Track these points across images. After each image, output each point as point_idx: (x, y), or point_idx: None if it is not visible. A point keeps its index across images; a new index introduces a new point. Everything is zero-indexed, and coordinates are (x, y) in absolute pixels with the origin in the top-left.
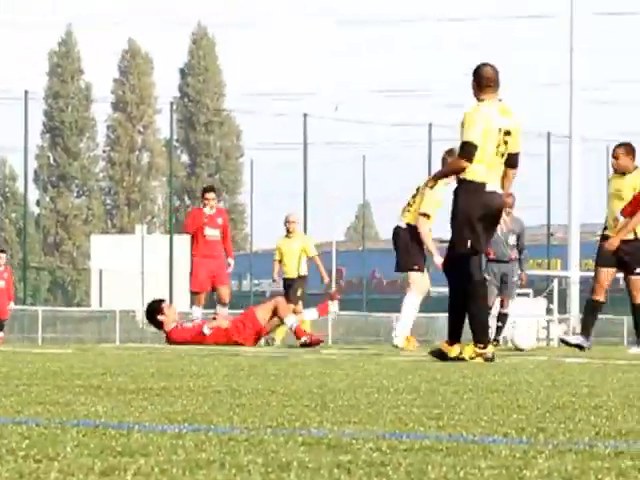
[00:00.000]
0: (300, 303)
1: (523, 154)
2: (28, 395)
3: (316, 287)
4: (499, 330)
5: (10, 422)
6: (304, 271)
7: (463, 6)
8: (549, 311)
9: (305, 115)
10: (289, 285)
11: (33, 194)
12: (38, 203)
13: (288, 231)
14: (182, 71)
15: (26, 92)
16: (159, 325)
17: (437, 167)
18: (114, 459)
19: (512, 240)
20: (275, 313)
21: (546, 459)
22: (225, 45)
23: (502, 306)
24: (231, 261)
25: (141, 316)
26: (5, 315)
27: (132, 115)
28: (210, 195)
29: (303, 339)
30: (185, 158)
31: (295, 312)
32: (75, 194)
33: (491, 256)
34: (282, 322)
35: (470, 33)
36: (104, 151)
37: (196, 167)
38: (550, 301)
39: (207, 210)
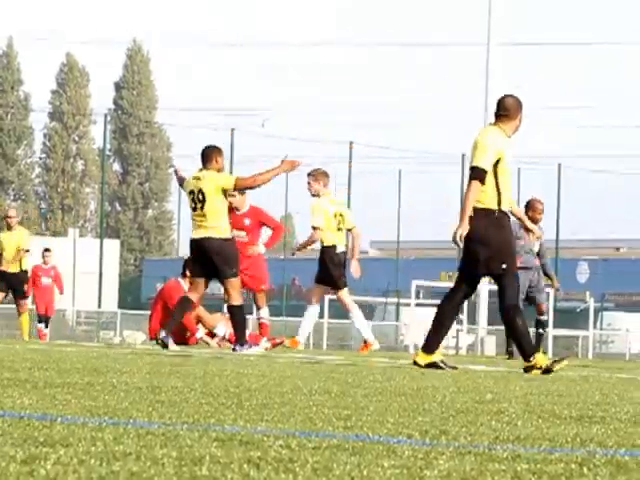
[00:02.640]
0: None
1: (438, 173)
2: None
3: None
4: (540, 338)
5: None
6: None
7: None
8: (459, 321)
9: (232, 130)
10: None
11: None
12: None
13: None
14: (117, 85)
15: None
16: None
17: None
18: (36, 449)
19: (536, 247)
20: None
21: (446, 460)
22: (159, 61)
23: (541, 314)
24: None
25: (71, 315)
26: (52, 312)
27: (68, 125)
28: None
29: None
30: (117, 167)
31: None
32: (12, 198)
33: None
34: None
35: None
36: (40, 158)
37: (127, 175)
38: (460, 312)
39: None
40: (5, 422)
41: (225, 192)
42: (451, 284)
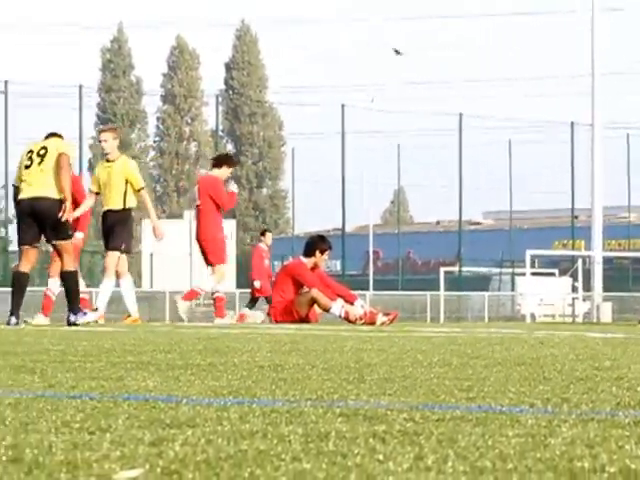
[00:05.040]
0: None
1: (549, 143)
2: (82, 371)
3: (356, 268)
4: None
5: (65, 397)
6: None
7: (492, 2)
8: (574, 289)
9: (343, 106)
10: None
11: (88, 182)
12: None
13: None
14: (227, 66)
15: (80, 86)
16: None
17: (468, 155)
18: (163, 430)
19: None
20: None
21: (570, 427)
22: (267, 40)
23: None
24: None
25: None
26: (268, 292)
27: (180, 107)
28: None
29: (359, 322)
30: (230, 147)
31: None
32: None
33: None
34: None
35: (493, 28)
36: (154, 141)
37: (240, 156)
38: (575, 279)
39: None
40: (131, 405)
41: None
42: (565, 252)
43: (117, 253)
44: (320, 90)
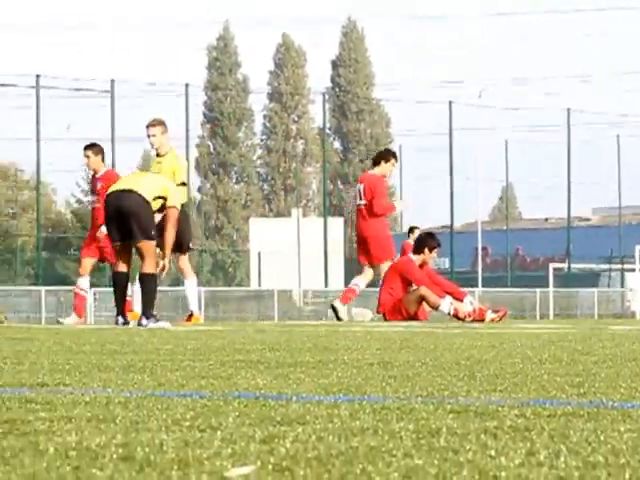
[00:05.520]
0: None
1: None
2: (192, 370)
3: (465, 264)
4: None
5: (175, 395)
6: None
7: None
8: None
9: (450, 102)
10: None
11: (195, 181)
12: (200, 190)
13: None
14: (334, 63)
15: (187, 85)
16: None
17: (577, 150)
18: (273, 428)
19: None
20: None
21: None
22: (373, 37)
23: None
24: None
25: (298, 295)
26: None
27: (287, 105)
28: (85, 153)
29: (468, 319)
30: (337, 145)
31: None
32: (234, 180)
33: None
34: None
35: (602, 23)
36: (261, 139)
37: (348, 153)
38: None
39: None
40: (241, 403)
41: None
42: None
43: (185, 254)
44: (427, 86)
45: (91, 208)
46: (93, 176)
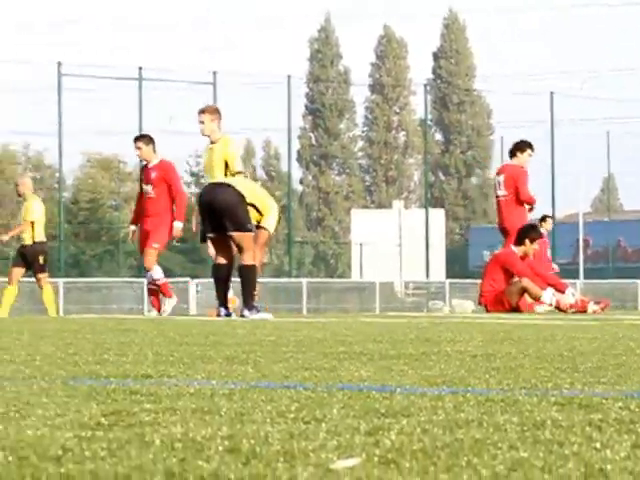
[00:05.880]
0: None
1: None
2: (295, 361)
3: (566, 256)
4: None
5: (280, 387)
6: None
7: None
8: None
9: (552, 93)
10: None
11: (296, 173)
12: (301, 181)
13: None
14: (435, 54)
15: (289, 77)
16: None
17: None
18: (378, 420)
19: None
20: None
21: None
22: (475, 28)
23: None
24: (178, 224)
25: (399, 286)
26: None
27: (388, 97)
28: (137, 144)
29: (570, 311)
30: (439, 136)
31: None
32: (336, 172)
33: None
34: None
35: None
36: (362, 131)
37: (449, 145)
38: None
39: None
40: (345, 395)
41: None
42: None
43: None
44: (529, 77)
45: (146, 198)
46: (145, 167)
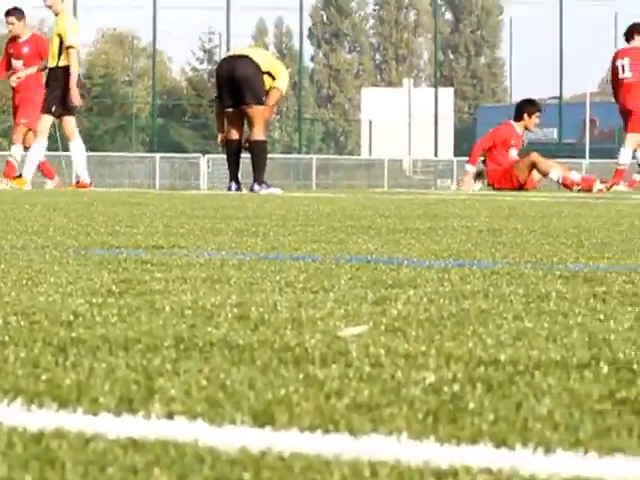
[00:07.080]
0: None
1: None
2: (304, 234)
3: (572, 136)
4: None
5: (288, 258)
6: None
7: None
8: None
9: None
10: None
11: (308, 50)
12: (312, 59)
13: None
14: None
15: None
16: None
17: None
18: (385, 290)
19: None
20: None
21: None
22: None
23: None
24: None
25: (408, 164)
26: None
27: None
28: (8, 19)
29: (575, 189)
30: (449, 16)
31: None
32: (347, 50)
33: None
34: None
35: None
36: (373, 10)
37: (459, 24)
38: None
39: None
40: (353, 266)
41: None
42: None
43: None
44: None
45: (15, 77)
46: (13, 40)
